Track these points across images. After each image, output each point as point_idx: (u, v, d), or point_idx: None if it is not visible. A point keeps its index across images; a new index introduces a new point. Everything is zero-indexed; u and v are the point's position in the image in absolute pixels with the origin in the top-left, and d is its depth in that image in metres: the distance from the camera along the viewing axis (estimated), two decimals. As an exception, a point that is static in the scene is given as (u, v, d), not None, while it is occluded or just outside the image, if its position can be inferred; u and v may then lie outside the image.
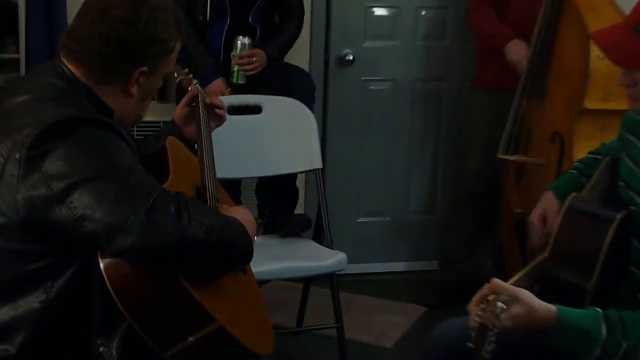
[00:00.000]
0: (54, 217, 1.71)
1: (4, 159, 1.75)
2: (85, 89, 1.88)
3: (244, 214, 1.95)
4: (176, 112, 2.41)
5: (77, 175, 1.70)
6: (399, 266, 4.27)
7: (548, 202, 2.18)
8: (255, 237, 1.97)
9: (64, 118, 1.75)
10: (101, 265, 1.72)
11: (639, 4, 1.83)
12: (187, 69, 2.59)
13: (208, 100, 2.40)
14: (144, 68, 1.89)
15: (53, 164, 1.70)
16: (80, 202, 1.68)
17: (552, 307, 1.72)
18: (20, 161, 1.72)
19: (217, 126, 2.46)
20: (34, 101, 1.83)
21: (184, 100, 2.40)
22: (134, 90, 1.91)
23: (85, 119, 1.78)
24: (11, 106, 1.84)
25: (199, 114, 2.34)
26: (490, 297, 1.64)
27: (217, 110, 2.43)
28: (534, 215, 2.17)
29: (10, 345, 1.78)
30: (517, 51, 3.45)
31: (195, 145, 2.31)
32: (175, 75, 2.55)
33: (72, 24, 1.92)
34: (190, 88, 2.45)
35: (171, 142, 2.17)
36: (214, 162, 2.25)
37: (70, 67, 1.88)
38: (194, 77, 2.53)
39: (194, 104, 2.35)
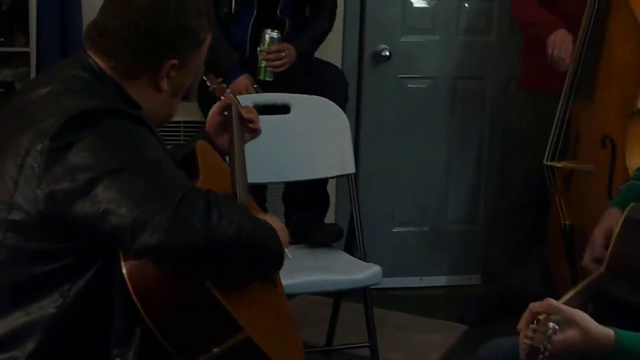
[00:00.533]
0: (77, 211, 1.73)
1: (25, 152, 1.76)
2: (113, 83, 1.91)
3: (276, 223, 1.95)
4: (208, 121, 2.41)
5: (102, 167, 1.72)
6: (438, 280, 4.27)
7: (613, 218, 2.14)
8: (288, 252, 1.99)
9: (90, 108, 1.77)
10: (123, 267, 1.74)
11: None
12: (220, 78, 2.60)
13: (244, 115, 2.40)
14: (175, 61, 1.92)
15: (77, 156, 1.73)
16: (105, 195, 1.70)
17: (609, 331, 1.71)
18: (42, 153, 1.74)
19: (252, 139, 2.45)
20: (58, 92, 1.85)
21: (217, 109, 2.40)
22: (165, 84, 1.94)
23: (113, 109, 1.80)
24: (33, 98, 1.86)
25: (232, 123, 2.34)
26: (541, 317, 1.64)
27: (251, 125, 2.42)
28: (597, 232, 2.15)
29: (19, 352, 1.79)
30: (561, 44, 3.39)
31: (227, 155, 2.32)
32: (208, 83, 2.57)
33: (97, 15, 1.94)
34: (223, 97, 2.45)
35: (202, 146, 2.18)
36: (245, 170, 2.26)
37: (97, 59, 1.91)
38: (221, 78, 2.56)
39: (225, 113, 2.36)
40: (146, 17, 1.88)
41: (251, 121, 2.41)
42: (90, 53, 1.92)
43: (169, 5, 1.88)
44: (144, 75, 1.93)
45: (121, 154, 1.75)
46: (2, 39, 3.85)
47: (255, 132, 2.44)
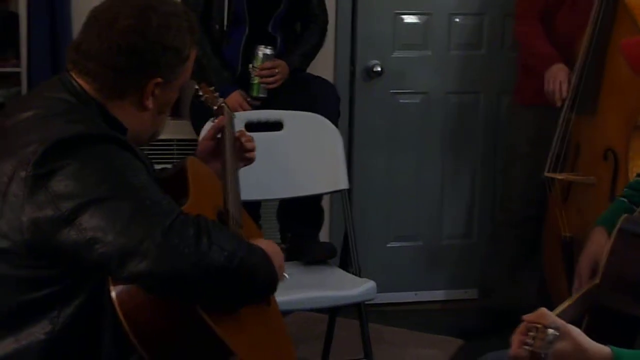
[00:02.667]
0: (62, 239, 1.71)
1: (8, 178, 1.76)
2: (97, 105, 1.90)
3: (270, 247, 1.95)
4: (199, 146, 2.40)
5: (87, 194, 1.71)
6: (434, 295, 4.27)
7: (598, 242, 2.14)
8: (285, 274, 1.99)
9: (74, 134, 1.76)
10: (112, 293, 1.72)
11: None
12: (212, 87, 2.60)
13: (244, 144, 2.39)
14: (159, 79, 1.91)
15: (61, 183, 1.72)
16: (91, 223, 1.69)
17: (605, 348, 1.70)
18: (26, 180, 1.73)
19: (245, 165, 2.44)
20: (41, 117, 1.84)
21: (209, 133, 2.38)
22: (150, 103, 1.93)
23: (97, 135, 1.79)
24: (15, 123, 1.85)
25: (225, 137, 2.33)
26: (539, 325, 1.63)
27: (247, 155, 2.42)
28: (583, 263, 2.14)
29: None
30: (556, 77, 3.42)
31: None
32: (201, 93, 2.56)
33: (79, 36, 1.94)
34: (214, 110, 2.45)
35: (192, 162, 2.17)
36: (238, 185, 2.25)
37: (80, 81, 1.90)
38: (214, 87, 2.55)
39: (219, 136, 2.35)
40: (128, 37, 1.87)
41: (249, 150, 2.40)
42: (73, 75, 1.91)
43: (151, 24, 1.88)
44: (128, 95, 1.92)
45: (106, 180, 1.74)
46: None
47: (250, 161, 2.42)
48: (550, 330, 1.60)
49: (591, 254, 2.13)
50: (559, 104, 3.39)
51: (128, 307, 1.72)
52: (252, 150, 2.41)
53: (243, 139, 2.37)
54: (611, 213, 2.19)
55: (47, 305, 1.79)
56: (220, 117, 2.39)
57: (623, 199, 2.22)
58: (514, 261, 3.85)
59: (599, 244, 2.11)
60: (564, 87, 3.38)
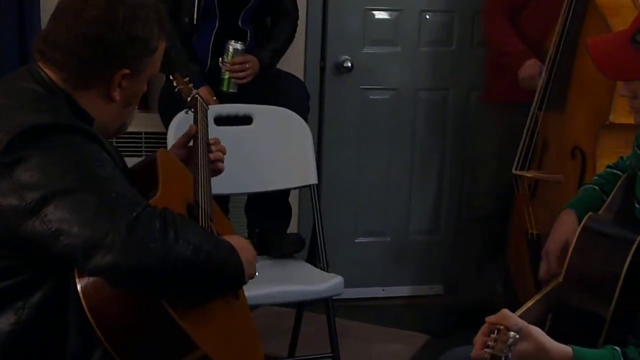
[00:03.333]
0: (27, 230, 1.71)
1: None
2: (64, 95, 1.89)
3: (240, 243, 1.95)
4: (174, 143, 2.40)
5: (52, 186, 1.70)
6: (400, 291, 4.27)
7: (569, 226, 2.15)
8: (257, 272, 2.00)
9: (40, 124, 1.75)
10: (78, 286, 1.71)
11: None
12: (187, 78, 2.59)
13: (211, 157, 2.36)
14: (126, 70, 1.90)
15: (26, 173, 1.71)
16: (56, 215, 1.68)
17: (566, 348, 1.72)
18: None
19: (214, 176, 2.40)
20: (8, 106, 1.83)
21: (180, 139, 2.38)
22: (117, 94, 1.92)
23: (63, 125, 1.78)
24: None
25: (198, 126, 2.33)
26: (501, 327, 1.64)
27: (218, 164, 2.40)
28: (551, 245, 2.15)
29: None
30: (531, 73, 3.45)
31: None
32: (175, 84, 2.55)
33: (46, 27, 1.93)
34: (188, 101, 2.43)
35: (162, 154, 2.15)
36: (209, 178, 2.25)
37: (47, 71, 1.89)
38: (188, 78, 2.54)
39: (190, 144, 2.33)
40: (94, 28, 1.86)
41: (217, 160, 2.39)
42: (40, 64, 1.91)
43: (117, 15, 1.87)
44: (95, 86, 1.91)
45: (72, 171, 1.73)
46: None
47: (217, 172, 2.41)
48: (512, 333, 1.61)
49: (562, 234, 2.15)
50: (534, 88, 3.40)
51: (93, 301, 1.71)
52: (220, 160, 2.39)
53: (214, 148, 2.36)
54: (582, 199, 2.22)
55: (12, 296, 1.78)
56: (192, 125, 2.37)
57: (594, 186, 2.24)
58: (479, 257, 3.86)
59: (568, 226, 2.13)
60: (539, 82, 3.39)
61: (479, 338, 1.68)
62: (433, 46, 4.12)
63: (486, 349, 1.61)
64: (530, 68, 3.45)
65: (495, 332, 1.63)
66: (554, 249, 2.13)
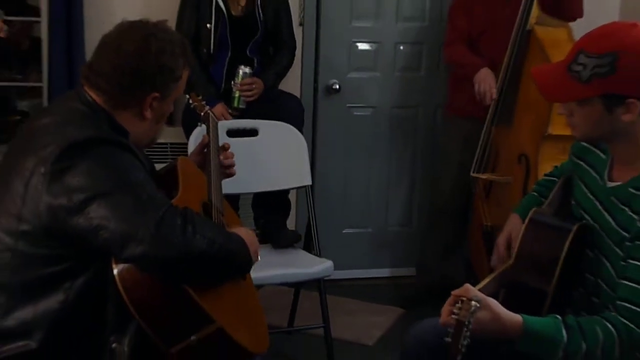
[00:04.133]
0: (73, 225, 1.71)
1: (29, 173, 1.75)
2: (105, 113, 1.89)
3: (247, 235, 1.93)
4: (192, 152, 2.39)
5: (95, 189, 1.70)
6: (380, 272, 4.24)
7: (513, 225, 2.14)
8: (259, 258, 1.97)
9: (85, 137, 1.76)
10: (114, 271, 1.72)
11: (576, 44, 1.85)
12: (200, 97, 2.57)
13: (223, 162, 2.33)
14: (156, 94, 1.90)
15: (74, 178, 1.71)
16: (97, 213, 1.69)
17: (517, 317, 1.71)
18: (45, 175, 1.72)
19: (226, 178, 2.38)
20: (58, 123, 1.84)
21: (196, 148, 2.36)
22: (148, 114, 1.92)
23: (104, 138, 1.78)
24: (37, 127, 1.85)
25: (209, 144, 2.31)
26: (464, 298, 1.64)
27: (228, 170, 2.37)
28: (500, 239, 2.14)
29: (31, 340, 1.77)
30: (485, 80, 3.39)
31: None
32: (190, 101, 2.54)
33: (92, 57, 1.93)
34: (202, 115, 2.41)
35: (182, 161, 2.15)
36: (220, 180, 2.23)
37: (91, 94, 1.89)
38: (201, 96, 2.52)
39: (205, 150, 2.32)
40: (131, 60, 1.86)
41: (229, 166, 2.37)
42: (86, 88, 1.90)
43: (150, 50, 1.87)
44: (130, 107, 1.91)
45: (111, 177, 1.73)
46: (20, 76, 3.83)
47: (230, 176, 2.39)
48: (473, 303, 1.61)
49: (507, 234, 2.13)
50: (489, 102, 3.37)
51: (127, 284, 1.72)
52: (232, 166, 2.37)
53: (222, 157, 2.33)
54: (524, 204, 2.20)
55: (61, 279, 1.79)
56: (205, 135, 2.35)
57: (534, 193, 2.23)
58: (445, 245, 3.85)
59: (513, 227, 2.12)
60: (493, 89, 3.35)
61: (445, 307, 1.68)
62: (405, 72, 4.10)
63: (452, 315, 1.61)
64: (484, 74, 3.41)
65: (460, 302, 1.63)
66: (502, 243, 2.12)
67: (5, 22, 3.11)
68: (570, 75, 1.81)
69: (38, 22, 3.66)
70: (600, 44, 1.78)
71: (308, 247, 3.34)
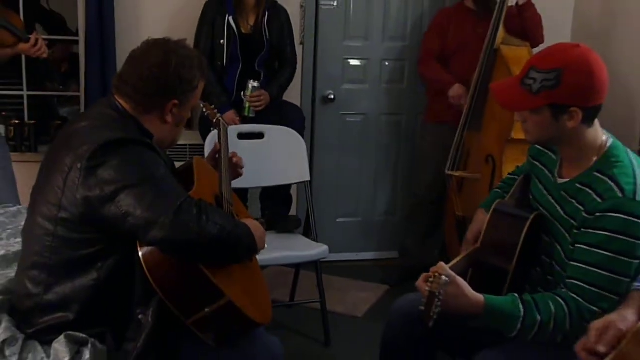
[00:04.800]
0: (105, 212, 1.72)
1: (68, 169, 1.76)
2: (132, 118, 1.89)
3: (253, 224, 1.93)
4: (207, 155, 2.38)
5: (123, 181, 1.71)
6: (368, 255, 4.25)
7: (480, 222, 2.12)
8: (266, 245, 1.97)
9: (115, 138, 1.76)
10: (139, 252, 1.73)
11: (528, 61, 1.86)
12: (213, 105, 2.57)
13: (234, 161, 2.31)
14: (176, 101, 1.90)
15: (105, 172, 1.72)
16: (125, 202, 1.70)
17: (480, 296, 1.72)
18: (81, 170, 1.73)
19: (236, 178, 2.36)
20: (93, 126, 1.85)
21: (210, 154, 2.36)
22: (169, 118, 1.92)
23: (131, 139, 1.79)
24: (75, 130, 1.86)
25: (221, 143, 2.30)
26: (437, 274, 1.65)
27: (239, 170, 2.36)
28: (469, 235, 2.13)
29: (69, 312, 1.79)
30: (457, 94, 3.44)
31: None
32: (204, 110, 2.53)
33: (121, 70, 1.93)
34: (214, 121, 2.40)
35: (197, 160, 2.16)
36: (229, 177, 2.24)
37: (121, 101, 1.90)
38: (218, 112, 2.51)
39: (217, 156, 2.31)
40: (154, 72, 1.87)
41: (239, 167, 2.35)
42: (116, 96, 1.91)
43: (171, 64, 1.87)
44: (154, 112, 1.91)
45: (137, 172, 1.74)
46: (62, 87, 3.84)
47: (240, 175, 2.39)
48: (444, 278, 1.64)
49: (475, 227, 2.12)
50: (461, 108, 3.39)
51: (151, 264, 1.72)
52: (242, 167, 2.36)
53: (234, 160, 2.32)
54: (489, 199, 2.20)
55: (94, 260, 1.80)
56: (216, 143, 2.34)
57: (498, 190, 2.23)
58: (423, 232, 3.85)
59: (480, 221, 2.11)
60: (464, 99, 3.38)
61: (420, 281, 1.70)
62: (390, 84, 4.09)
63: (426, 288, 1.63)
64: (457, 89, 3.43)
65: (433, 277, 1.64)
66: (470, 238, 2.11)
67: (48, 44, 3.11)
68: (523, 88, 1.82)
69: (77, 41, 3.67)
70: (548, 61, 1.79)
71: (307, 234, 3.34)
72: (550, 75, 1.77)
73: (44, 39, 3.06)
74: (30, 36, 2.93)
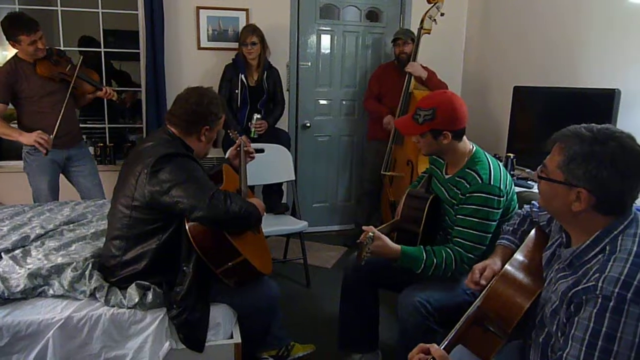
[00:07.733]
0: (163, 201, 1.71)
1: (138, 173, 1.75)
2: (179, 139, 1.87)
3: (258, 203, 1.91)
4: (228, 153, 2.28)
5: (175, 180, 1.70)
6: (334, 227, 4.21)
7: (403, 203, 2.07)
8: (265, 213, 1.95)
9: (168, 153, 1.76)
10: (186, 226, 1.73)
11: (416, 104, 1.85)
12: (236, 131, 2.52)
13: (245, 148, 2.26)
14: (207, 127, 1.88)
15: (163, 175, 1.71)
16: (177, 193, 1.69)
17: (398, 246, 1.74)
18: (147, 174, 1.73)
19: (250, 160, 2.28)
20: (153, 145, 1.82)
21: (234, 147, 2.27)
22: (203, 138, 1.90)
23: (179, 153, 1.79)
24: (141, 149, 1.84)
25: (241, 154, 2.27)
26: (367, 232, 1.65)
27: (250, 155, 2.27)
28: (398, 210, 2.08)
29: (139, 266, 1.79)
30: (388, 121, 3.43)
31: (238, 169, 2.25)
32: (230, 135, 2.46)
33: (171, 107, 1.90)
34: (237, 141, 2.39)
35: (225, 167, 2.13)
36: (246, 178, 2.18)
37: (171, 128, 1.88)
38: (239, 134, 2.48)
39: (238, 149, 2.26)
40: (194, 107, 1.84)
41: (251, 153, 2.31)
42: (168, 125, 1.88)
43: (204, 101, 1.85)
44: (193, 135, 1.88)
45: (184, 173, 1.71)
46: (130, 121, 3.81)
47: (252, 158, 2.29)
48: (370, 234, 1.62)
49: (400, 207, 2.12)
50: (390, 129, 3.35)
51: (193, 233, 1.71)
52: (252, 152, 2.27)
53: (245, 148, 2.28)
54: (409, 188, 2.20)
55: (156, 232, 1.78)
56: (239, 139, 2.30)
57: (415, 182, 2.22)
58: (369, 211, 3.81)
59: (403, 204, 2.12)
60: (392, 124, 3.35)
61: (359, 240, 1.68)
62: (347, 116, 4.06)
63: (358, 241, 1.63)
64: (388, 118, 3.42)
65: (364, 234, 1.64)
66: (398, 213, 2.08)
67: (119, 92, 3.10)
68: (413, 121, 1.84)
69: (140, 90, 3.66)
70: (427, 103, 1.81)
71: (293, 214, 3.32)
72: (429, 112, 1.79)
73: (116, 90, 3.06)
74: (104, 87, 2.96)
